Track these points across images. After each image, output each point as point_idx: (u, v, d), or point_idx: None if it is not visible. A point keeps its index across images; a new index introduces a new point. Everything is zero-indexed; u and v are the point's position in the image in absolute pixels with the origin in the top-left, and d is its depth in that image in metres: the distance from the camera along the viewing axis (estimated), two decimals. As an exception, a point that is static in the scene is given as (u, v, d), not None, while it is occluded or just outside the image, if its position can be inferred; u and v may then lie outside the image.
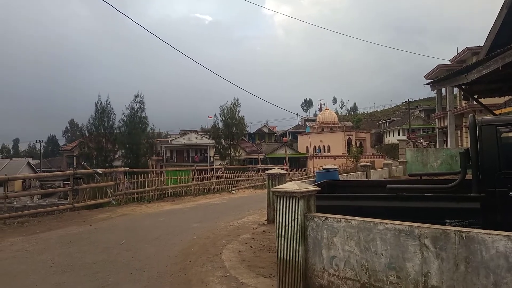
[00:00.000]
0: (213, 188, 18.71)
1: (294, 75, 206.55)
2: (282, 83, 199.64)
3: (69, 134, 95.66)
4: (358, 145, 57.64)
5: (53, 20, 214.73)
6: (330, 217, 3.99)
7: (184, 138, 60.40)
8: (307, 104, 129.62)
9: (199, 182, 17.93)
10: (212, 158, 54.29)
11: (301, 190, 4.12)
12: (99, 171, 13.66)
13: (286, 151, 48.53)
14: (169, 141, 62.28)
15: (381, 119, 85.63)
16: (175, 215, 11.25)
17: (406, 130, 56.28)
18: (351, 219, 3.83)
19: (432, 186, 5.60)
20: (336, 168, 11.04)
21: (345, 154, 44.04)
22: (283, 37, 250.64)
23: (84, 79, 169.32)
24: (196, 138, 60.01)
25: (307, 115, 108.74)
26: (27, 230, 8.96)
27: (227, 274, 5.26)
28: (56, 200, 32.82)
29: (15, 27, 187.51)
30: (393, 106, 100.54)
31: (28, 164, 61.39)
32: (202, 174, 18.67)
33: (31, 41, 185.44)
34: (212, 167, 23.25)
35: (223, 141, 45.92)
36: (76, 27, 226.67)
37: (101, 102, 41.07)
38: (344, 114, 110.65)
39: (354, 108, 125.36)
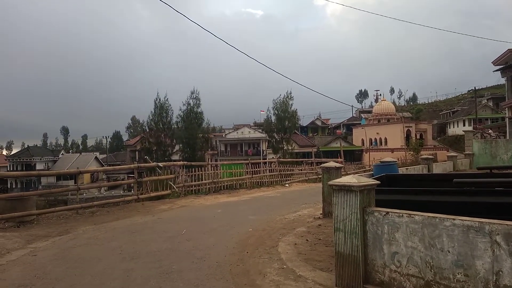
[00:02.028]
0: (267, 181, 18.87)
1: (348, 65, 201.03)
2: (336, 74, 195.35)
3: (132, 130, 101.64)
4: (418, 137, 54.80)
5: (118, 26, 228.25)
6: (391, 212, 3.87)
7: (237, 132, 61.45)
8: (362, 95, 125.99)
9: (253, 176, 18.16)
10: (264, 152, 54.72)
11: (360, 183, 4.04)
12: (160, 164, 14.37)
13: (340, 144, 47.42)
14: (224, 135, 63.73)
15: (443, 109, 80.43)
16: (231, 207, 11.53)
17: (472, 120, 52.48)
18: (414, 214, 3.68)
19: (504, 180, 5.20)
20: (395, 161, 10.60)
21: (403, 147, 42.04)
22: (336, 28, 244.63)
23: (144, 77, 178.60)
24: (249, 132, 60.76)
25: (362, 107, 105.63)
26: (97, 219, 9.66)
27: (284, 266, 5.31)
28: (121, 192, 35.08)
29: (82, 37, 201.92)
30: (457, 94, 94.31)
31: (96, 158, 66.19)
32: (256, 168, 18.87)
33: (94, 47, 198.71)
34: (265, 160, 23.39)
35: (275, 135, 46.05)
36: (138, 28, 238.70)
37: (159, 99, 43.13)
38: (402, 104, 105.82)
39: (413, 98, 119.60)
